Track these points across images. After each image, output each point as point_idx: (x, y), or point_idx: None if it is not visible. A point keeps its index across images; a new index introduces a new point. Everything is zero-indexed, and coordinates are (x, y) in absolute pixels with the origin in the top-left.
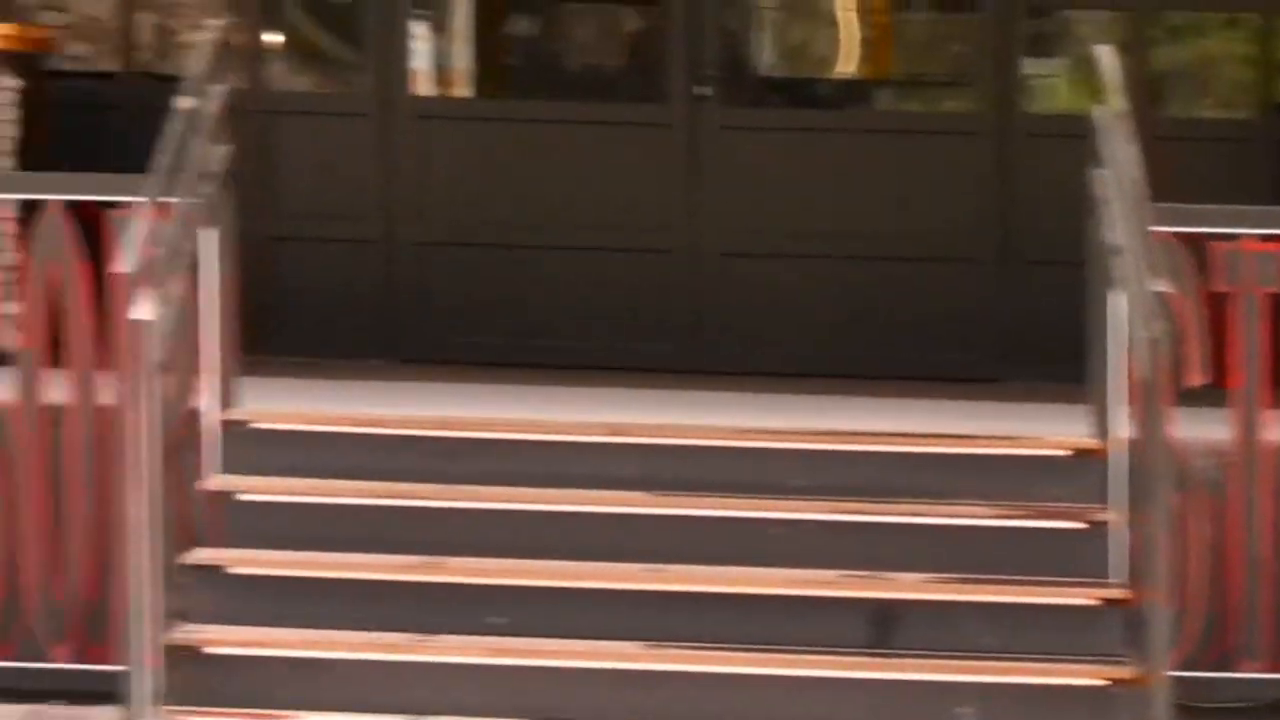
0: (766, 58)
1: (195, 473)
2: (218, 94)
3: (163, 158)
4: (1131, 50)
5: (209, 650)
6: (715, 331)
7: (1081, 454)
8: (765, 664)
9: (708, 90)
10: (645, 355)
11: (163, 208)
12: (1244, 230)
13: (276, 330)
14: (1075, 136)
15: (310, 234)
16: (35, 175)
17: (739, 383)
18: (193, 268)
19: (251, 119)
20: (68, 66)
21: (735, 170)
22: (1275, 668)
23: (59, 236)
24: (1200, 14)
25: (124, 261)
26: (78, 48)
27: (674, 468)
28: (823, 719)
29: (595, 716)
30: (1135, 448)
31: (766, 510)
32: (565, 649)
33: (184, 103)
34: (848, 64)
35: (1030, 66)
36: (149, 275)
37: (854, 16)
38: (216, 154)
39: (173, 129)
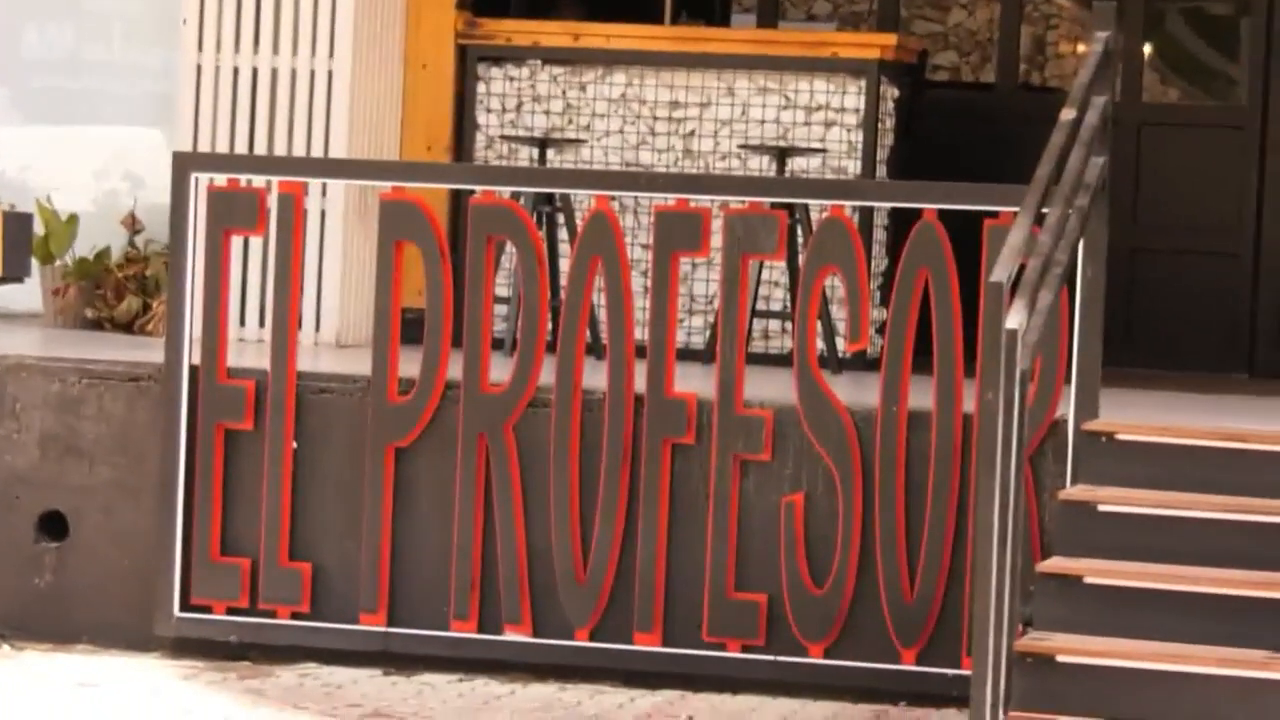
0: None
1: (1054, 481)
2: (1098, 105)
3: (1041, 169)
4: None
5: (1059, 658)
6: None
7: None
8: None
9: None
10: None
11: (1039, 219)
12: None
13: (1137, 342)
14: None
15: (1176, 246)
16: (911, 184)
17: None
18: (1064, 279)
19: (1126, 130)
20: (940, 77)
21: None
22: None
23: (933, 245)
24: None
25: (997, 271)
26: (950, 57)
27: None
28: None
29: None
30: None
31: None
32: None
33: (1066, 114)
34: None
35: None
36: (1020, 285)
37: None
38: (1094, 166)
39: (1053, 140)
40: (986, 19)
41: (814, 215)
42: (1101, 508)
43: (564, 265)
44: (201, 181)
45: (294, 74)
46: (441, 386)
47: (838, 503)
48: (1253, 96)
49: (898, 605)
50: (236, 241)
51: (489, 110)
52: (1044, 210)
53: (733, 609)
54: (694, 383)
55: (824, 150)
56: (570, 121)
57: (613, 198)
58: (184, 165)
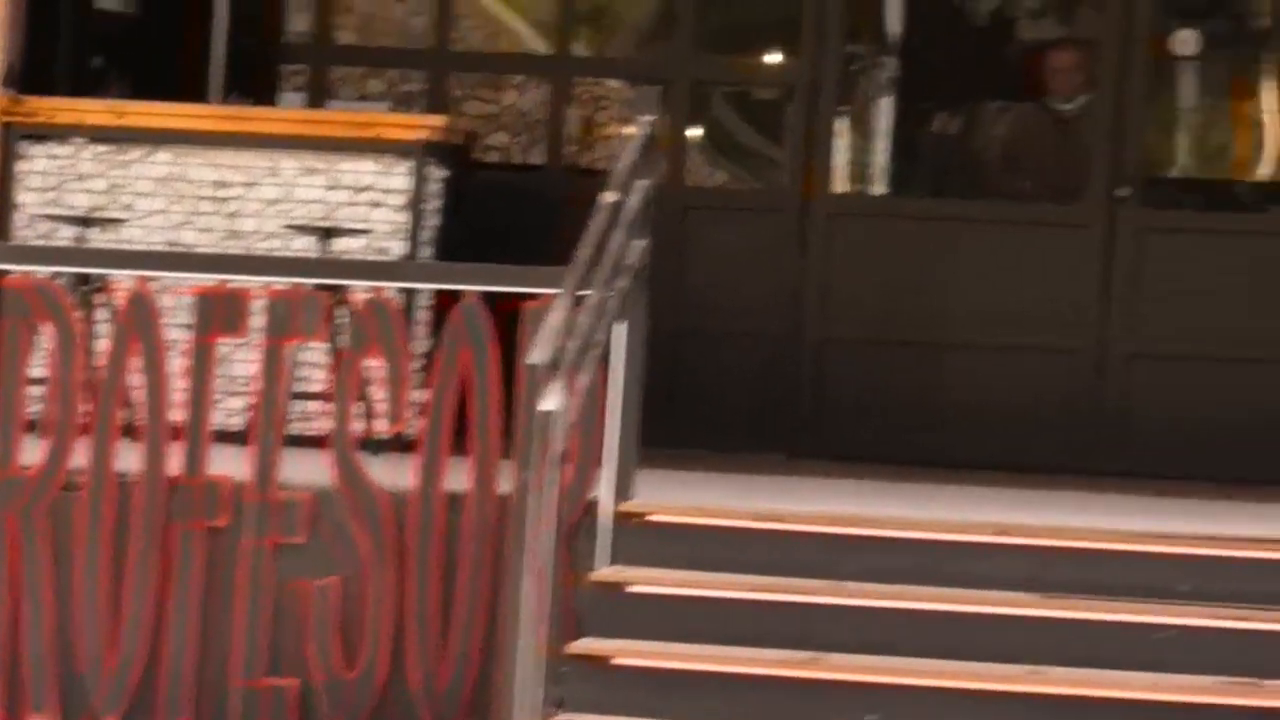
0: (1188, 159)
1: (589, 562)
2: (641, 188)
3: (582, 251)
4: None
5: None
6: (1117, 433)
7: None
8: None
9: (1127, 191)
10: (1045, 455)
11: (578, 301)
12: None
13: (677, 424)
14: None
15: (717, 328)
16: (454, 266)
17: (1136, 485)
18: (602, 360)
19: (668, 213)
20: (492, 158)
21: (1148, 272)
22: None
23: (474, 326)
24: None
25: (536, 353)
26: (500, 138)
27: (1061, 569)
28: None
29: None
30: None
31: (1152, 615)
32: None
33: (608, 197)
34: (1270, 167)
35: None
36: (558, 367)
37: (1278, 119)
38: (635, 248)
39: (595, 223)
40: (537, 100)
41: (357, 296)
42: (631, 589)
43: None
44: None
45: None
46: None
47: (374, 585)
48: (794, 179)
49: (431, 687)
50: None
51: (29, 189)
52: (585, 292)
53: (264, 695)
54: (231, 465)
55: (369, 231)
56: (113, 200)
57: (153, 278)
58: None
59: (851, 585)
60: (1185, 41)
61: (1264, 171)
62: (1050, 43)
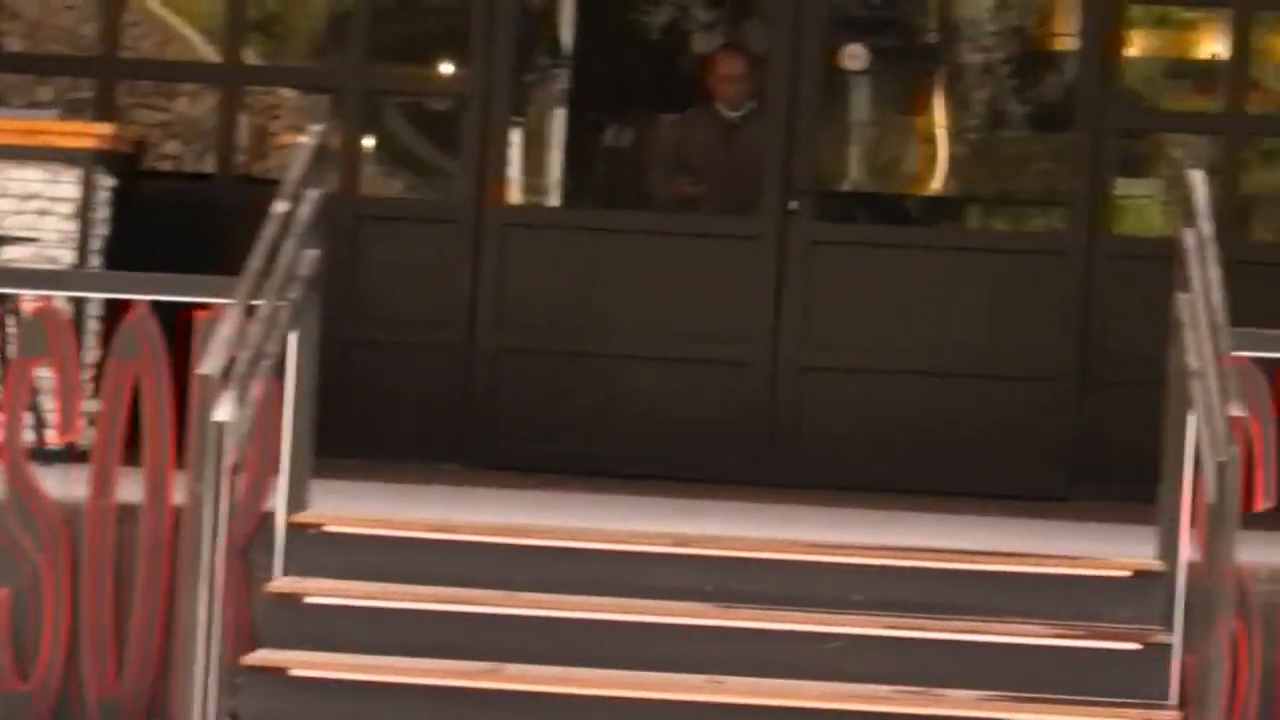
0: (859, 173)
1: (263, 574)
2: (313, 198)
3: (253, 261)
4: (1222, 173)
5: None
6: (789, 445)
7: (1146, 575)
8: None
9: (798, 204)
10: (718, 467)
11: (250, 311)
12: None
13: (351, 434)
14: (1161, 259)
15: (391, 338)
16: (124, 275)
17: (810, 496)
18: (275, 370)
19: (342, 223)
20: (166, 166)
21: (820, 285)
22: None
23: (144, 336)
24: None
25: (207, 363)
26: (173, 146)
27: (738, 580)
28: None
29: None
30: (1197, 571)
31: (827, 624)
32: None
33: (279, 206)
34: (938, 181)
35: (1122, 187)
36: (231, 377)
37: (947, 134)
38: (307, 258)
39: (266, 233)
40: (209, 108)
41: (27, 305)
42: (309, 600)
43: None
44: None
45: None
46: None
47: (47, 597)
48: (469, 190)
49: (108, 699)
50: None
51: None
52: (257, 302)
53: None
54: None
55: (37, 240)
56: None
57: None
58: None
59: (529, 596)
60: (855, 56)
61: (933, 185)
62: (717, 50)
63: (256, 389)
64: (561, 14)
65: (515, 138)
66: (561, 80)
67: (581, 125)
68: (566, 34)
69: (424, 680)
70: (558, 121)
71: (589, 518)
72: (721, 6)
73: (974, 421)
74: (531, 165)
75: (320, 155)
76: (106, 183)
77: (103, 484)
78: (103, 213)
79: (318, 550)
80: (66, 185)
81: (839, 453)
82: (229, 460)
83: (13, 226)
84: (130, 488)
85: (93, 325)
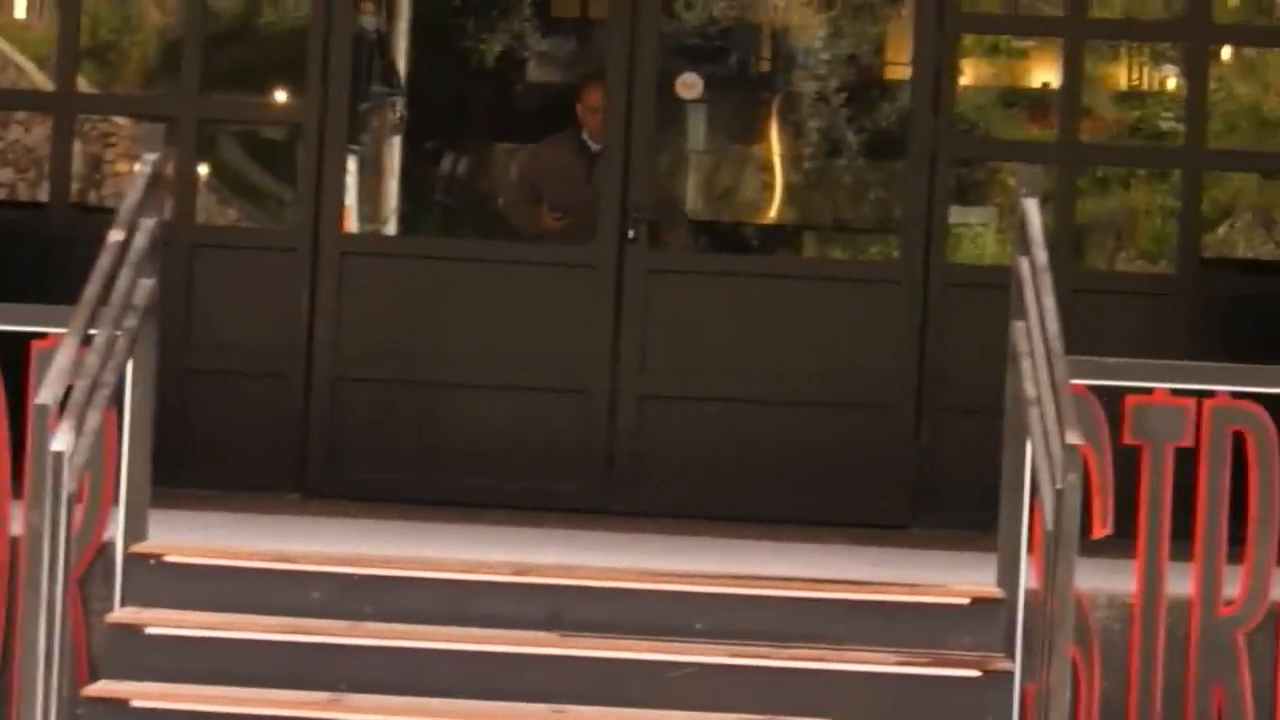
0: (696, 202)
1: (104, 604)
2: (147, 227)
3: (89, 290)
4: (1058, 200)
5: None
6: (630, 473)
7: (986, 603)
8: None
9: (636, 233)
10: (559, 496)
11: (86, 340)
12: (1156, 384)
13: (190, 463)
14: (996, 287)
15: (229, 367)
16: None
17: (652, 525)
18: (112, 400)
19: (178, 252)
20: None
21: (658, 313)
22: None
23: None
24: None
25: (44, 393)
26: (6, 174)
27: (580, 609)
28: None
29: None
30: (1037, 598)
31: (670, 653)
32: None
33: (114, 235)
34: (775, 209)
35: (957, 215)
36: (68, 407)
37: (783, 162)
38: (143, 287)
39: (101, 262)
40: (43, 136)
41: None
42: (149, 630)
43: None
44: None
45: None
46: None
47: None
48: (305, 218)
49: None
50: None
51: None
52: (92, 332)
53: None
54: None
55: None
56: None
57: None
58: None
59: (371, 625)
60: (690, 85)
61: (770, 214)
62: (586, 81)
63: (94, 419)
64: (397, 42)
65: (352, 165)
66: (398, 108)
67: (418, 153)
68: (403, 62)
69: (266, 710)
70: (395, 149)
71: (430, 547)
72: (558, 34)
73: (815, 450)
74: (369, 193)
75: (155, 184)
76: None
77: None
78: None
79: (158, 580)
80: None
81: (680, 481)
82: (66, 490)
83: None
84: None
85: None
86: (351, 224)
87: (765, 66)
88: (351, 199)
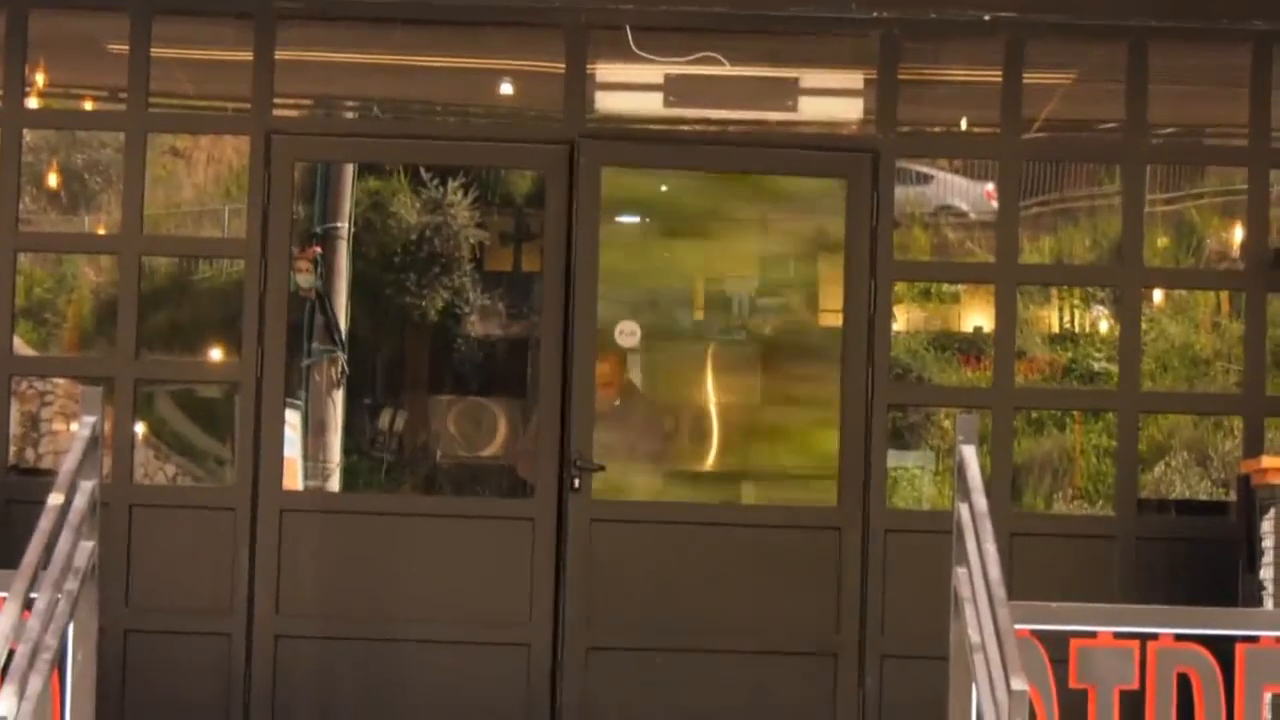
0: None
1: None
2: (87, 490)
3: (30, 554)
4: (995, 444)
5: None
6: None
7: None
8: None
9: (579, 482)
10: None
11: (28, 604)
12: (1100, 628)
13: None
14: (937, 532)
15: (169, 627)
16: None
17: None
18: (54, 661)
19: (115, 512)
20: None
21: (601, 563)
22: None
23: None
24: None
25: None
26: None
27: None
28: None
29: None
30: None
31: None
32: None
33: (54, 499)
34: (714, 456)
35: (893, 459)
36: (10, 671)
37: (718, 409)
38: (83, 550)
39: (41, 525)
40: None
41: None
42: None
43: None
44: None
45: None
46: None
47: None
48: (242, 477)
49: None
50: None
51: None
52: (33, 595)
53: None
54: None
55: None
56: None
57: None
58: None
59: None
60: (628, 333)
61: (708, 461)
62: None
63: (36, 683)
64: (337, 300)
65: (296, 419)
66: (340, 363)
67: (359, 408)
68: (343, 319)
69: None
70: (337, 404)
71: None
72: (497, 289)
73: (764, 700)
74: (310, 450)
75: (94, 446)
76: None
77: None
78: None
79: None
80: None
81: None
82: None
83: None
84: None
85: None
86: (295, 479)
87: (699, 315)
88: (295, 453)
